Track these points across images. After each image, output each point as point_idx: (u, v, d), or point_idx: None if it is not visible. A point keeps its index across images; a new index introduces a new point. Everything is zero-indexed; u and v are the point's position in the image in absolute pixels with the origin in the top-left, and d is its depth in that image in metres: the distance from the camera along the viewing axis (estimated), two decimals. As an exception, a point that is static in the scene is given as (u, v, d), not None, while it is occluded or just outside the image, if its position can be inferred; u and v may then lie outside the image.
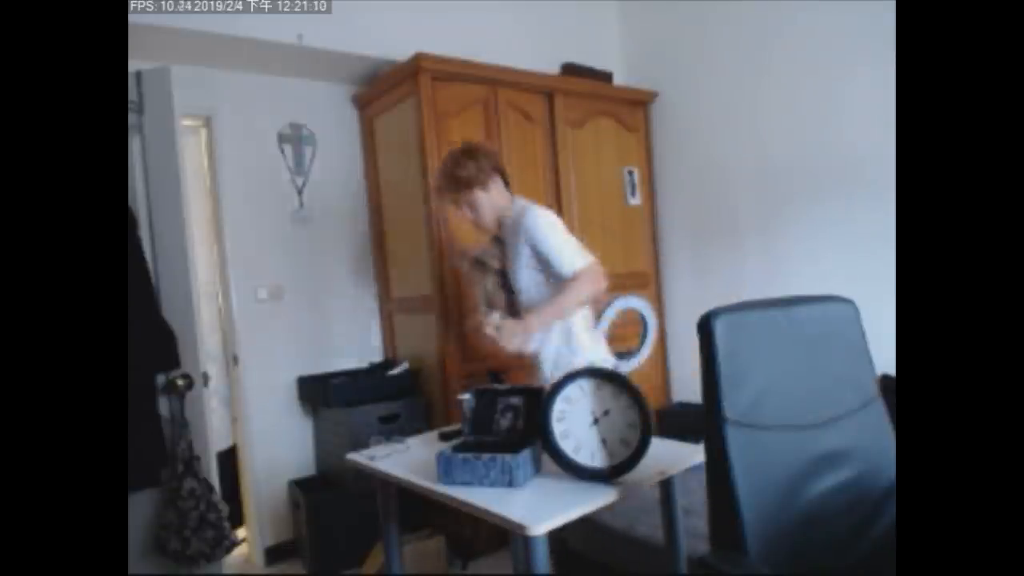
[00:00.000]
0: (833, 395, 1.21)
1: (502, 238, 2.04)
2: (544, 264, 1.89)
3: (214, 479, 2.09)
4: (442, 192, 2.03)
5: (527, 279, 1.93)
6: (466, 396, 1.69)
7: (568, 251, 1.86)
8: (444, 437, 1.80)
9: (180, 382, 2.01)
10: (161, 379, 2.01)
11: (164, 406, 2.02)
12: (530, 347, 1.88)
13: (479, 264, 2.09)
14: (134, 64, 2.01)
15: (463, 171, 1.93)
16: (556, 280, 1.88)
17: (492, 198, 1.98)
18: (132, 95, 2.03)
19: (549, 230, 1.88)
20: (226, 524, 2.06)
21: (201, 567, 2.01)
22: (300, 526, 2.74)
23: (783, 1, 2.86)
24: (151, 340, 1.96)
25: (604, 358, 1.85)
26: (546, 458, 1.41)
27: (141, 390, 1.93)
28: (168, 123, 2.04)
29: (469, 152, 1.98)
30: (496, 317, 1.85)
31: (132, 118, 2.03)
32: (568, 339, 1.90)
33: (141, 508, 1.99)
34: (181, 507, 1.98)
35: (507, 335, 1.81)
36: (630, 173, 3.40)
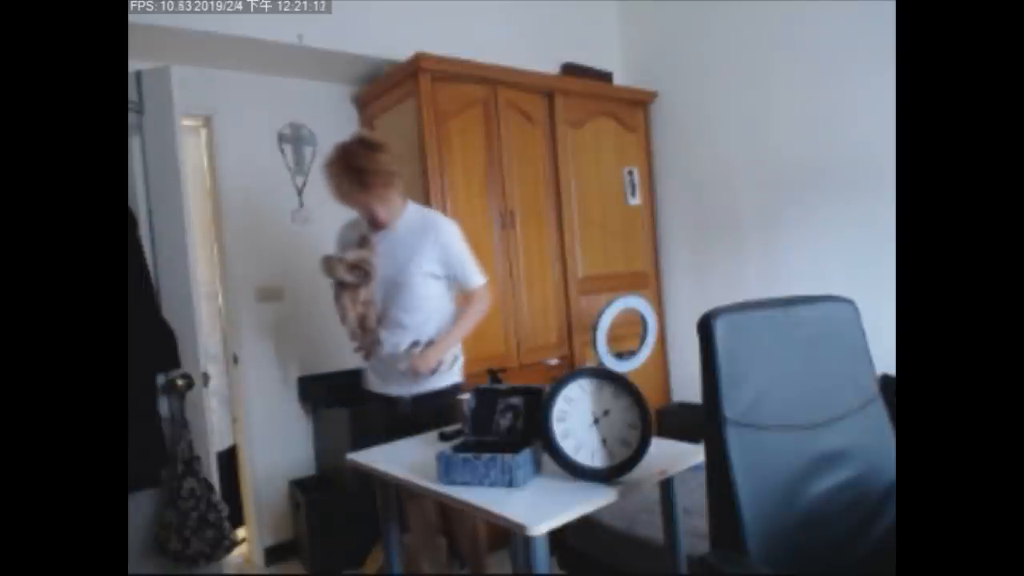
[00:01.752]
0: (833, 395, 1.21)
1: (374, 241, 1.95)
2: (450, 274, 1.91)
3: (214, 479, 2.09)
4: (367, 186, 1.83)
5: (428, 287, 1.90)
6: (466, 396, 1.69)
7: (474, 265, 1.92)
8: (444, 437, 1.80)
9: (180, 382, 2.00)
10: (161, 379, 2.00)
11: (164, 406, 2.02)
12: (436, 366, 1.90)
13: (357, 270, 1.96)
14: (134, 64, 2.01)
15: (383, 165, 1.82)
16: (460, 291, 1.94)
17: (401, 194, 1.94)
18: (132, 95, 2.02)
19: (461, 242, 1.92)
20: (226, 524, 2.06)
21: (201, 567, 2.01)
22: (300, 526, 2.74)
23: (784, 1, 2.86)
24: (151, 340, 1.96)
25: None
26: (546, 458, 1.41)
27: (141, 390, 1.92)
28: (168, 123, 2.03)
29: (378, 145, 1.86)
30: (418, 350, 1.87)
31: (132, 118, 2.03)
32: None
33: (141, 508, 1.98)
34: (181, 507, 1.97)
35: (429, 360, 1.85)
36: (630, 173, 3.40)
